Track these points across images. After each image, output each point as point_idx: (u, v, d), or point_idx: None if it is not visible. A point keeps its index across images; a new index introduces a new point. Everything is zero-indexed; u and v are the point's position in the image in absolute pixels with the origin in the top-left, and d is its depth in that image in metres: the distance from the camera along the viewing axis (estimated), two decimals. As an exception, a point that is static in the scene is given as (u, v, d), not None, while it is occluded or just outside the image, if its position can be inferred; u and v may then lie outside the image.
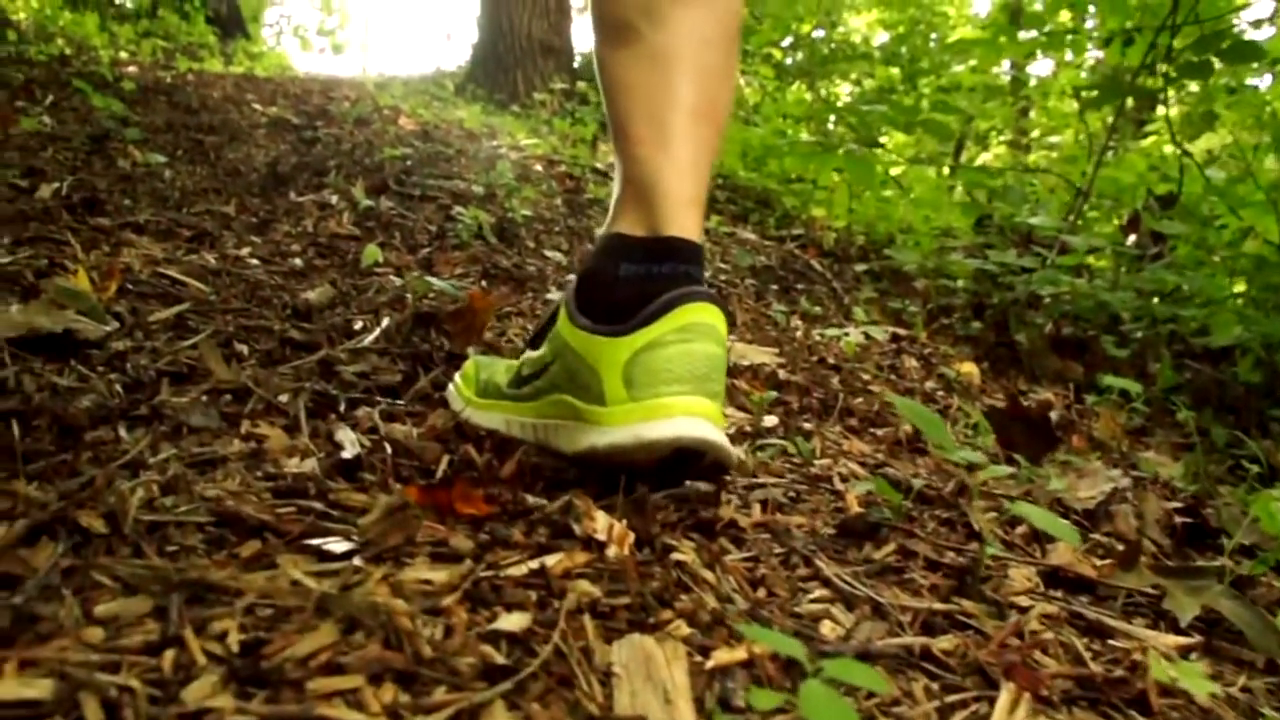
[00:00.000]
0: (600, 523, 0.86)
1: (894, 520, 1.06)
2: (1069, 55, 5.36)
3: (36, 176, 2.05)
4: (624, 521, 0.89)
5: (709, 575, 0.85)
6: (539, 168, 3.39)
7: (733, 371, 1.59)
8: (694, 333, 0.96)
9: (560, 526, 0.86)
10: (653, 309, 0.96)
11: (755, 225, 3.59)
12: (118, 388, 1.10)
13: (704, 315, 0.97)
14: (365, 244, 1.96)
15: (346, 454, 0.96)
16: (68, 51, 4.35)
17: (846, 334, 2.05)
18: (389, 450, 1.01)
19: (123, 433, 0.97)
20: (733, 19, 1.11)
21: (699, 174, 1.05)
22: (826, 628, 0.80)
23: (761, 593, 0.86)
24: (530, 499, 0.92)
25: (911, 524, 1.09)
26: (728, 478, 1.10)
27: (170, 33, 6.87)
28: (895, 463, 1.38)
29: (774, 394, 1.42)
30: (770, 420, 1.37)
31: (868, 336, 2.19)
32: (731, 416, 1.36)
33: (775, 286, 2.67)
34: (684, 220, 1.03)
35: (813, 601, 0.86)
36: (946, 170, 5.15)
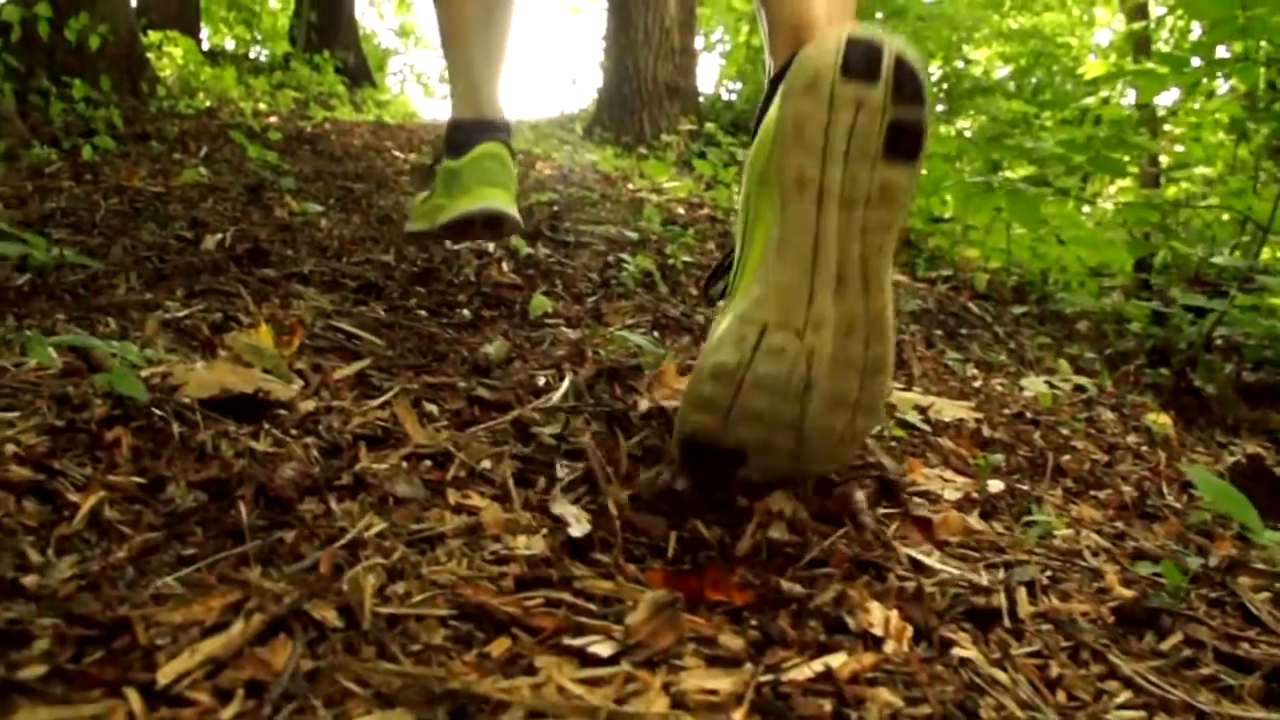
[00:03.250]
0: (876, 615, 0.76)
1: (1174, 605, 0.94)
2: (1222, 83, 5.13)
3: (200, 228, 2.03)
4: (898, 611, 0.79)
5: (1001, 675, 0.75)
6: (681, 210, 3.32)
7: (936, 428, 1.48)
8: None
9: (832, 619, 0.76)
10: None
11: (903, 267, 3.47)
12: (315, 453, 1.04)
13: None
14: (529, 293, 1.90)
15: (575, 532, 0.87)
16: (211, 104, 4.43)
17: (1043, 384, 1.92)
18: (613, 526, 0.92)
19: (333, 505, 0.90)
20: None
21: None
22: (1162, 746, 0.68)
23: (1061, 695, 0.75)
24: (784, 584, 0.82)
25: (1182, 606, 0.97)
26: (988, 552, 1.00)
27: (302, 83, 7.02)
28: (1133, 532, 1.25)
29: (1000, 457, 1.31)
30: (996, 485, 1.25)
31: (1052, 386, 2.06)
32: (953, 481, 1.24)
33: (939, 332, 2.54)
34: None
35: (1122, 707, 0.75)
36: (1087, 206, 4.94)
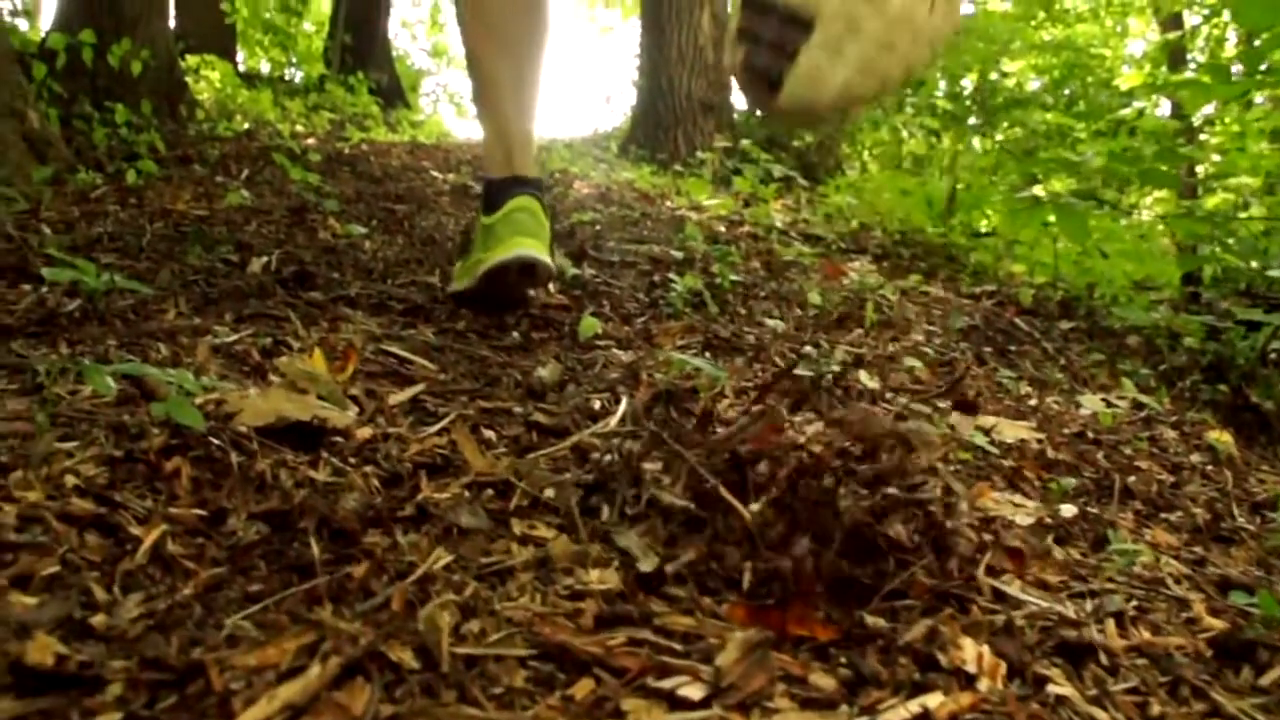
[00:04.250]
0: (968, 651, 0.73)
1: (1269, 637, 0.90)
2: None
3: (245, 251, 2.03)
4: (989, 647, 0.75)
5: (1100, 715, 0.72)
6: (722, 228, 3.30)
7: (999, 450, 1.44)
8: None
9: (923, 656, 0.73)
10: None
11: (946, 282, 3.42)
12: (375, 483, 1.02)
13: None
14: (576, 313, 1.88)
15: (644, 566, 0.85)
16: (249, 127, 4.45)
17: (1100, 401, 1.88)
18: (685, 556, 0.89)
19: (399, 537, 0.88)
20: None
21: None
22: (1282, 794, 0.65)
23: (1165, 737, 0.72)
24: (868, 618, 0.79)
25: (1277, 637, 0.93)
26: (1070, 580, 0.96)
27: (337, 105, 7.05)
28: (1212, 557, 1.21)
29: (1073, 481, 1.27)
30: (1068, 509, 1.22)
31: (1109, 404, 2.01)
32: (1023, 506, 1.21)
33: (989, 349, 2.50)
34: None
35: (1229, 750, 0.71)
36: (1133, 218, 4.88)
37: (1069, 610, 0.89)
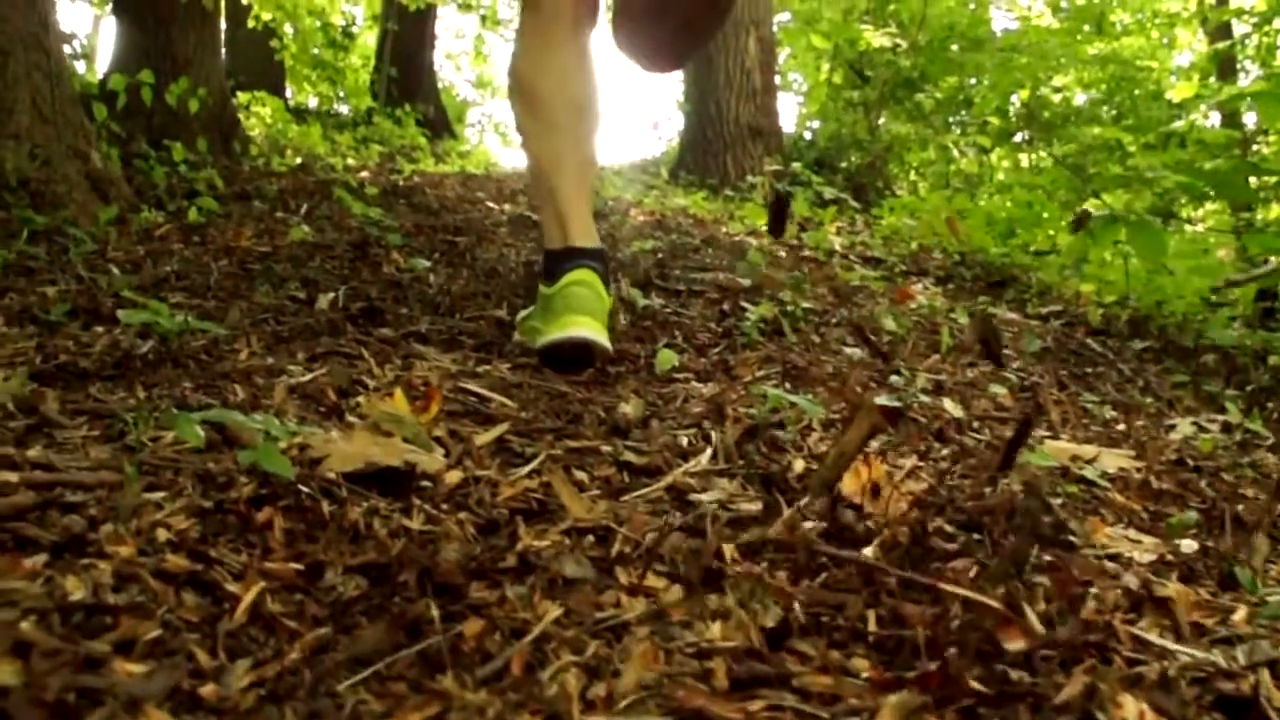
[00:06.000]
0: (1129, 710, 0.68)
1: None
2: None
3: (312, 287, 2.01)
4: (1149, 705, 0.70)
5: (1276, 781, 0.66)
6: (783, 253, 3.26)
7: (1108, 480, 1.38)
8: None
9: (1080, 715, 0.68)
10: None
11: (1012, 303, 3.35)
12: (471, 530, 0.98)
13: None
14: (648, 344, 1.85)
15: (766, 620, 0.80)
16: (301, 161, 4.47)
17: (1190, 425, 1.81)
18: (804, 606, 0.84)
19: (506, 590, 0.84)
20: None
21: None
22: None
23: (1348, 805, 0.66)
24: (1011, 673, 0.74)
25: None
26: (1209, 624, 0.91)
27: (385, 137, 7.09)
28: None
29: (1193, 514, 1.21)
30: (1189, 545, 1.16)
31: (1201, 428, 1.94)
32: (1140, 542, 1.15)
33: (1065, 372, 2.43)
34: None
35: None
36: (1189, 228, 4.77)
37: (1219, 659, 0.83)
